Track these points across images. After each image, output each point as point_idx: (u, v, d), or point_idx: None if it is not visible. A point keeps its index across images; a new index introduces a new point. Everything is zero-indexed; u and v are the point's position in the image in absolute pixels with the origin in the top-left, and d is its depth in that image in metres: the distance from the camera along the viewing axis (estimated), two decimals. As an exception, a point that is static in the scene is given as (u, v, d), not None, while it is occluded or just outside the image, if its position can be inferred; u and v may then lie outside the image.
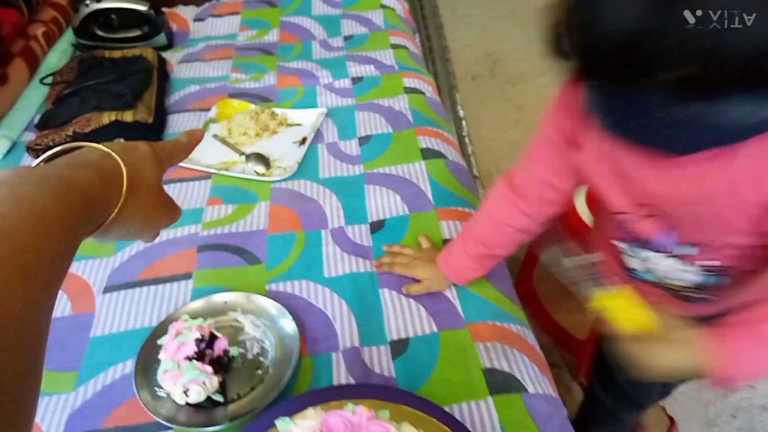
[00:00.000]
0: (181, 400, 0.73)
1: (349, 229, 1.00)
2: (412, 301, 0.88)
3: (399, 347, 0.82)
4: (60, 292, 0.91)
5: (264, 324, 0.84)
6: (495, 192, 0.83)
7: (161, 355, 0.76)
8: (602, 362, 1.06)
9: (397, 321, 0.85)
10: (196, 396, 0.73)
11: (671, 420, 1.29)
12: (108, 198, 0.45)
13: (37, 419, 0.75)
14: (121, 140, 1.16)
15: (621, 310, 0.57)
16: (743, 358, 0.55)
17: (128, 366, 0.81)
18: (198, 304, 0.86)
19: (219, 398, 0.75)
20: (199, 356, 0.75)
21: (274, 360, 0.80)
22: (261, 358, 0.81)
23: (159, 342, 0.77)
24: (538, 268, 1.52)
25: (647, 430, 1.25)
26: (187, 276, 0.93)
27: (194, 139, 0.61)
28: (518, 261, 1.55)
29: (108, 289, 0.92)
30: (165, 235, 1.00)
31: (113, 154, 0.47)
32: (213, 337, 0.78)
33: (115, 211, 0.45)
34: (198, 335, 0.75)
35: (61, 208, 0.38)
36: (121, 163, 0.47)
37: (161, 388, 0.75)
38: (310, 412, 0.58)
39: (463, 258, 0.86)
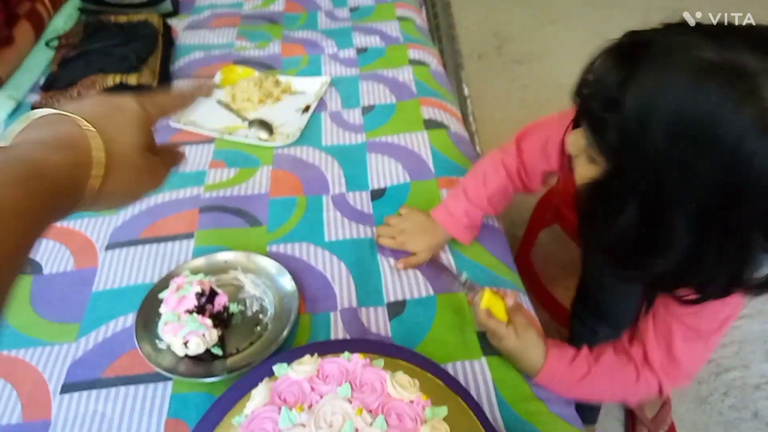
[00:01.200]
0: (180, 351, 0.75)
1: (350, 196, 1.01)
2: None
3: (396, 309, 0.83)
4: (63, 247, 0.93)
5: (264, 283, 0.85)
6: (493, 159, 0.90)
7: (162, 309, 0.77)
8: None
9: (395, 284, 0.87)
10: (196, 348, 0.74)
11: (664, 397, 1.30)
12: (80, 183, 0.40)
13: (39, 368, 0.77)
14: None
15: (493, 305, 0.74)
16: (555, 372, 0.72)
17: (129, 319, 0.82)
18: (199, 261, 0.87)
19: (218, 351, 0.76)
20: (200, 310, 0.76)
21: (273, 317, 0.81)
22: (260, 316, 0.82)
23: (160, 296, 0.79)
24: (536, 245, 1.53)
25: (642, 407, 1.27)
26: (188, 236, 0.94)
27: (201, 90, 0.55)
28: (517, 238, 1.56)
29: (110, 246, 0.93)
30: (168, 196, 1.01)
31: (93, 132, 0.41)
32: (213, 293, 0.79)
33: (89, 196, 0.40)
34: (198, 289, 0.76)
35: (22, 198, 0.34)
36: (102, 146, 0.41)
37: (161, 340, 0.77)
38: (306, 358, 0.59)
39: (462, 202, 0.89)
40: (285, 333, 0.77)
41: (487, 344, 0.78)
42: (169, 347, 0.76)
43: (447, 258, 0.90)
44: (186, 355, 0.75)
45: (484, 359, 0.77)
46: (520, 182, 0.90)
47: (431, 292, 0.85)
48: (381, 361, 0.59)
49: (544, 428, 0.70)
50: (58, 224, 0.96)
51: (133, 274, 0.89)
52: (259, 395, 0.56)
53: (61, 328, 0.82)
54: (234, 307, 0.82)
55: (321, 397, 0.55)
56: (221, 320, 0.79)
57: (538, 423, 0.71)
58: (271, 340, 0.78)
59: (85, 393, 0.74)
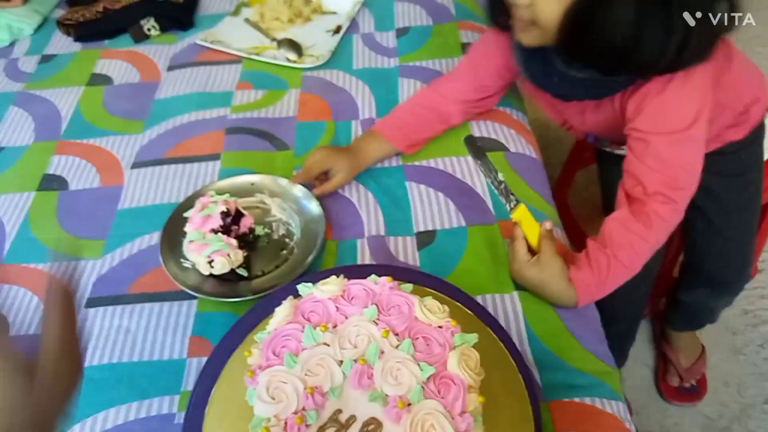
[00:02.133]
0: (205, 270, 0.73)
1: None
2: (440, 194, 0.85)
3: (425, 239, 0.80)
4: (89, 164, 0.92)
5: (290, 207, 0.83)
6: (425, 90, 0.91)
7: (187, 227, 0.75)
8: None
9: (425, 214, 0.83)
10: (221, 267, 0.73)
11: (702, 347, 1.27)
12: None
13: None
14: (152, 20, 1.12)
15: (525, 222, 0.70)
16: (586, 284, 0.69)
17: (154, 237, 0.81)
18: (225, 183, 0.85)
19: (243, 272, 0.75)
20: (225, 230, 0.74)
21: (299, 242, 0.79)
22: (286, 239, 0.80)
23: (185, 215, 0.77)
24: (573, 186, 1.47)
25: (679, 355, 1.24)
26: (215, 157, 0.92)
27: None
28: (551, 179, 1.49)
29: (136, 165, 0.91)
30: (194, 116, 0.98)
31: None
32: (239, 214, 0.77)
33: None
34: (224, 209, 0.74)
35: None
36: None
37: (186, 259, 0.75)
38: (332, 279, 0.56)
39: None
40: (311, 257, 0.75)
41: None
42: (194, 266, 0.75)
43: (482, 185, 0.86)
44: (211, 275, 0.74)
45: (515, 293, 0.73)
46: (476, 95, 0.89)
47: (463, 222, 0.82)
48: (409, 286, 0.57)
49: (575, 364, 0.67)
50: (84, 141, 0.96)
51: (159, 193, 0.87)
52: (282, 312, 0.54)
53: (87, 243, 0.81)
54: (260, 230, 0.80)
55: (346, 317, 0.53)
56: (247, 242, 0.77)
57: (569, 359, 0.68)
58: (297, 263, 0.76)
59: (110, 308, 0.74)
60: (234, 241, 0.74)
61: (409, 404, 0.47)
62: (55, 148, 0.95)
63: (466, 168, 0.88)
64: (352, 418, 0.47)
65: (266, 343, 0.52)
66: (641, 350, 1.32)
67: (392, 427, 0.46)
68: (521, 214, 0.70)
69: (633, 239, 0.70)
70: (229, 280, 0.75)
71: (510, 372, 0.60)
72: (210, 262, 0.72)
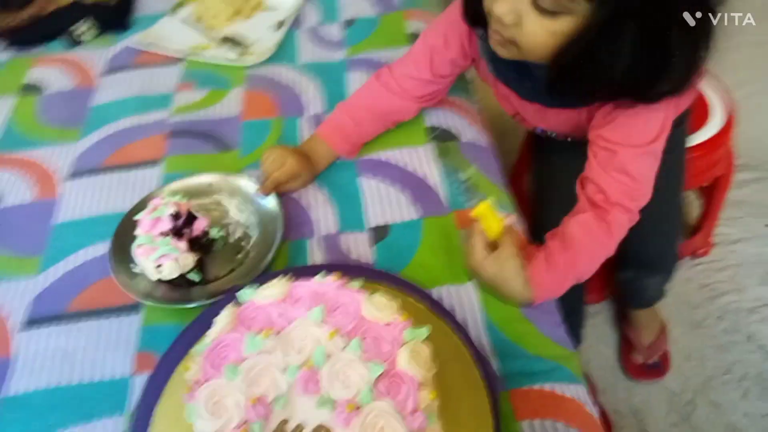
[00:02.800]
0: (154, 276, 0.70)
1: (326, 117, 0.93)
2: (392, 188, 0.83)
3: (379, 233, 0.78)
4: (21, 178, 0.87)
5: (248, 209, 0.80)
6: (373, 85, 0.87)
7: (137, 231, 0.71)
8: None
9: (376, 209, 0.81)
10: (169, 272, 0.69)
11: (663, 323, 1.28)
12: None
13: (-1, 303, 0.72)
14: (86, 23, 1.07)
15: (486, 218, 0.67)
16: (544, 284, 0.68)
17: (95, 250, 0.77)
18: (181, 183, 0.81)
19: (195, 277, 0.72)
20: (176, 233, 0.71)
21: (257, 242, 0.76)
22: (242, 243, 0.77)
23: (135, 218, 0.73)
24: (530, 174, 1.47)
25: (640, 333, 1.25)
26: (157, 162, 0.88)
27: None
28: (510, 167, 1.49)
29: (74, 175, 0.87)
30: (131, 120, 0.94)
31: None
32: (193, 217, 0.74)
33: None
34: (173, 210, 0.71)
35: None
36: None
37: (136, 264, 0.72)
38: (275, 282, 0.54)
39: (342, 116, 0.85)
40: (268, 259, 0.73)
41: (475, 267, 0.73)
42: (142, 272, 0.71)
43: (434, 177, 0.84)
44: (160, 281, 0.71)
45: (470, 284, 0.72)
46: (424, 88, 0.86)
47: (416, 215, 0.80)
48: (357, 283, 0.55)
49: (533, 350, 0.67)
50: (14, 154, 0.91)
51: (99, 204, 0.83)
52: (221, 321, 0.51)
53: (21, 262, 0.77)
54: (215, 233, 0.77)
55: (290, 322, 0.51)
56: (201, 245, 0.74)
57: (527, 345, 0.67)
58: (253, 266, 0.73)
59: (46, 329, 0.69)
60: (183, 245, 0.70)
61: (358, 407, 0.45)
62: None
63: (417, 160, 0.86)
64: (300, 427, 0.45)
65: (205, 356, 0.49)
66: (604, 331, 1.33)
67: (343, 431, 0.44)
68: (483, 210, 0.67)
69: (594, 246, 0.69)
70: (180, 285, 0.72)
71: (467, 364, 0.59)
72: (158, 267, 0.69)
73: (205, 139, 0.91)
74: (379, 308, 0.51)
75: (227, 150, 0.89)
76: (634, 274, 1.12)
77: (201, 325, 0.61)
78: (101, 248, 0.76)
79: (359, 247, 0.77)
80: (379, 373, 0.46)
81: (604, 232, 0.69)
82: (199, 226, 0.74)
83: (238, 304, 0.54)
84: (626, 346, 1.29)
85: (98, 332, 0.69)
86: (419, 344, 0.49)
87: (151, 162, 0.88)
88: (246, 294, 0.54)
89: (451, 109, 0.93)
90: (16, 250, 0.78)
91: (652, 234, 0.98)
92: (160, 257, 0.69)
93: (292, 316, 0.51)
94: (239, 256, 0.76)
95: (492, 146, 0.91)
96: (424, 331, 0.50)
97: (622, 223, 0.70)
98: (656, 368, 1.25)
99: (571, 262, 0.68)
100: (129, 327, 0.69)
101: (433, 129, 0.90)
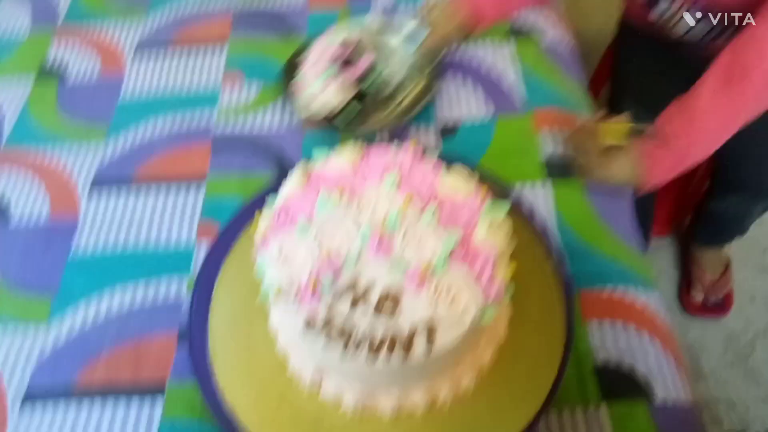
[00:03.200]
0: (315, 101, 0.71)
1: None
2: (463, 86, 0.78)
3: (448, 130, 0.74)
4: (88, 51, 0.85)
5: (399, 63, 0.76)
6: None
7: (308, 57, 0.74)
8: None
9: (449, 103, 0.77)
10: (334, 95, 0.70)
11: (728, 263, 1.22)
12: None
13: (68, 167, 0.73)
14: None
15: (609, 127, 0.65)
16: (658, 166, 0.64)
17: (159, 123, 0.76)
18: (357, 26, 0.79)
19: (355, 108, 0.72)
20: (345, 63, 0.72)
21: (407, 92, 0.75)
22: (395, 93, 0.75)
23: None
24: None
25: (704, 270, 1.19)
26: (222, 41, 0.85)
27: None
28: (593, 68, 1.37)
29: (139, 47, 0.85)
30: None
31: None
32: (358, 52, 0.73)
33: None
34: (342, 39, 0.72)
35: None
36: None
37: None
38: (349, 146, 0.51)
39: None
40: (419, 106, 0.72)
41: (553, 168, 0.69)
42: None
43: (515, 73, 0.79)
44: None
45: (545, 181, 0.68)
46: None
47: (490, 113, 0.75)
48: (434, 154, 0.52)
49: (608, 252, 0.63)
50: (85, 28, 0.90)
51: (162, 81, 0.82)
52: (293, 180, 0.49)
53: (90, 131, 0.77)
54: (374, 77, 0.74)
55: (363, 187, 0.49)
56: (361, 82, 0.73)
57: (601, 246, 0.64)
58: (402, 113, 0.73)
59: (114, 193, 0.70)
60: (349, 75, 0.71)
61: (432, 273, 0.43)
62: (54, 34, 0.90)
63: (492, 57, 0.81)
64: (371, 287, 0.43)
65: (275, 213, 0.48)
66: (663, 266, 1.28)
67: (413, 295, 0.43)
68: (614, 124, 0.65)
69: (719, 119, 0.62)
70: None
71: (540, 256, 0.56)
72: (323, 90, 0.70)
73: (269, 25, 0.87)
74: (457, 182, 0.48)
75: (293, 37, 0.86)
76: (738, 202, 1.05)
77: (264, 197, 0.60)
78: (168, 122, 0.76)
79: (427, 140, 0.73)
80: (456, 241, 0.44)
81: (734, 105, 0.61)
82: (364, 62, 0.73)
83: (309, 166, 0.52)
84: (686, 283, 1.24)
85: (164, 201, 0.69)
86: (499, 220, 0.46)
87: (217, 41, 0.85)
88: (318, 157, 0.52)
89: (534, 7, 0.86)
90: (84, 120, 0.78)
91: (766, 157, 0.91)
92: (327, 79, 0.70)
93: (365, 182, 0.49)
94: (392, 102, 0.74)
95: (574, 48, 0.85)
96: (504, 206, 0.47)
97: (760, 104, 0.62)
98: (717, 307, 1.20)
99: (691, 141, 0.62)
100: (193, 196, 0.69)
101: (512, 27, 0.84)
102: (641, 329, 0.58)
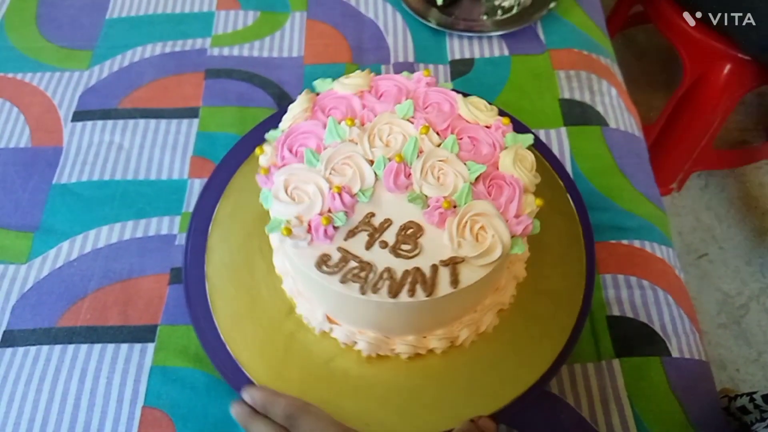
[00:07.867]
0: None
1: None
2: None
3: (459, 67, 0.70)
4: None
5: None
6: None
7: None
8: None
9: (455, 40, 0.72)
10: None
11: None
12: None
13: (49, 93, 0.67)
14: None
15: None
16: None
17: (149, 50, 0.70)
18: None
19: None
20: None
21: None
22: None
23: None
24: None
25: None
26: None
27: None
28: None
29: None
30: None
31: None
32: None
33: None
34: None
35: None
36: None
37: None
38: (357, 72, 0.47)
39: None
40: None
41: (572, 112, 0.65)
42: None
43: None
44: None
45: (563, 128, 0.64)
46: None
47: (506, 51, 0.71)
48: (449, 84, 0.47)
49: (625, 205, 0.60)
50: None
51: (157, 3, 0.75)
52: (298, 107, 0.45)
53: (72, 54, 0.71)
54: None
55: (375, 115, 0.44)
56: None
57: (619, 199, 0.60)
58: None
59: (99, 122, 0.65)
60: None
61: (455, 206, 0.39)
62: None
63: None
64: (387, 222, 0.40)
65: (280, 141, 0.43)
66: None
67: (434, 231, 0.39)
68: None
69: None
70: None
71: (558, 198, 0.52)
72: None
73: None
74: (479, 109, 0.44)
75: None
76: None
77: (264, 131, 0.56)
78: (157, 48, 0.70)
79: (439, 80, 0.69)
80: (480, 173, 0.40)
81: None
82: None
83: (315, 92, 0.47)
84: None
85: (153, 132, 0.64)
86: (524, 149, 0.43)
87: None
88: (324, 84, 0.47)
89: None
90: (67, 42, 0.72)
91: None
92: None
93: (378, 109, 0.44)
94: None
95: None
96: (529, 138, 0.44)
97: None
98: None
99: None
100: (185, 131, 0.64)
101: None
102: (656, 285, 0.56)
